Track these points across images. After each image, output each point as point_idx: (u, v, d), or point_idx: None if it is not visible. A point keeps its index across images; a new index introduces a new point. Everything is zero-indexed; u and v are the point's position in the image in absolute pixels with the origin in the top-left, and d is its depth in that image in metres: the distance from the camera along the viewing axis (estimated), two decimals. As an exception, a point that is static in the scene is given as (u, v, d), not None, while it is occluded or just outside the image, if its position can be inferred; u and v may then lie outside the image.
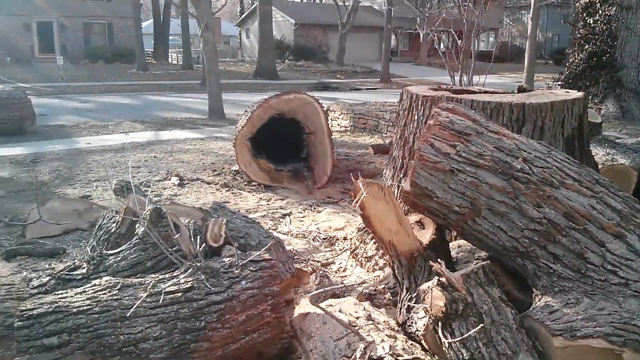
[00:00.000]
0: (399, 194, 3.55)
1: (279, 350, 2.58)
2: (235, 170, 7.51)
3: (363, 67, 33.33)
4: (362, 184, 2.35)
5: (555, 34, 40.78)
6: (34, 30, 34.28)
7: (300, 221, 5.65)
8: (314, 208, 6.09)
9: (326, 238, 5.09)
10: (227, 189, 6.77)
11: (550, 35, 41.47)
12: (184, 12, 23.64)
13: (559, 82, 14.36)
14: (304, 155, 7.25)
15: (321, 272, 4.01)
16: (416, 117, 3.69)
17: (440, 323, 2.31)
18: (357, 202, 2.38)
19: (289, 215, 5.80)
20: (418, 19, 19.65)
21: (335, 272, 4.24)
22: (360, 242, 4.31)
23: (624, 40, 13.03)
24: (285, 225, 5.49)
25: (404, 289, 2.82)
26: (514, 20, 42.54)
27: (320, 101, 7.14)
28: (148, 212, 2.50)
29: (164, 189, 6.63)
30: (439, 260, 2.34)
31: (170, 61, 37.33)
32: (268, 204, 6.21)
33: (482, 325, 2.20)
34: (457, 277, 2.28)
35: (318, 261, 4.48)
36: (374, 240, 4.14)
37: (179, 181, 6.92)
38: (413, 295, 2.74)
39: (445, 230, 3.03)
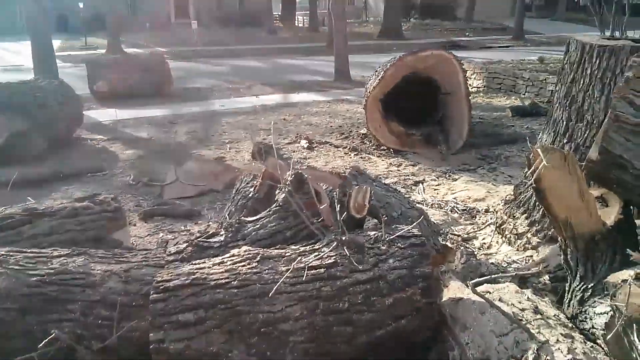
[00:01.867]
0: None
1: (424, 339, 2.28)
2: (363, 134, 7.25)
3: (494, 24, 31.13)
4: (542, 150, 1.92)
5: None
6: (171, -4, 36.13)
7: (435, 189, 5.28)
8: (449, 175, 5.68)
9: (465, 209, 4.71)
10: (355, 152, 6.54)
11: None
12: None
13: None
14: (437, 118, 6.76)
15: (465, 248, 3.64)
16: (589, 72, 3.11)
17: (635, 326, 1.87)
18: (533, 171, 1.95)
19: (422, 183, 5.45)
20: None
21: (479, 249, 3.85)
22: (509, 217, 3.85)
23: None
24: (419, 193, 5.15)
25: (577, 277, 2.38)
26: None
27: (459, 58, 6.56)
28: (289, 178, 2.28)
29: (294, 151, 6.55)
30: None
31: (296, 24, 37.60)
32: (399, 170, 5.90)
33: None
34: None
35: (458, 235, 4.11)
36: (527, 215, 3.67)
37: (307, 144, 6.80)
38: (590, 286, 2.30)
39: (632, 209, 2.51)
